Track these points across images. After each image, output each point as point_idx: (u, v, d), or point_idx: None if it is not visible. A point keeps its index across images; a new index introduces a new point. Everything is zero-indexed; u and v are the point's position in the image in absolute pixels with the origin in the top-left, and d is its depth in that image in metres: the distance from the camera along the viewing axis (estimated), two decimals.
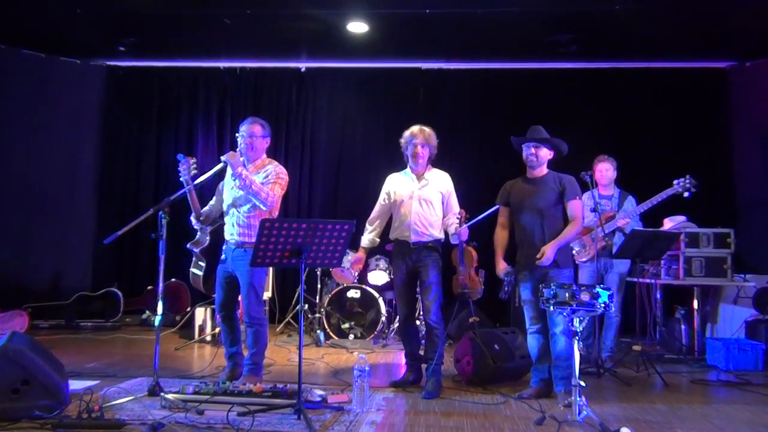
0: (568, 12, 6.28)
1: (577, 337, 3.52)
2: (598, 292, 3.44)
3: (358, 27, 6.81)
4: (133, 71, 8.16)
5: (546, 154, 4.26)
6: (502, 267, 4.34)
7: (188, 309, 7.02)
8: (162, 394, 3.66)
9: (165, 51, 7.85)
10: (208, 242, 4.52)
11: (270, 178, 4.29)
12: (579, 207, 4.18)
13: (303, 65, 8.08)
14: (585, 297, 3.42)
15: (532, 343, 4.25)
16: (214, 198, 4.58)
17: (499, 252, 4.40)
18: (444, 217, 4.49)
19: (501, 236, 4.43)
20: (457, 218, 4.29)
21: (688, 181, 5.28)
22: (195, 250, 4.53)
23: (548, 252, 4.01)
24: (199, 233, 4.54)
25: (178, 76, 8.18)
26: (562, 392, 4.02)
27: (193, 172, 4.19)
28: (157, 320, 3.93)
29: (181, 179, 4.18)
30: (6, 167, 7.44)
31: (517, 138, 4.34)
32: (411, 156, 4.47)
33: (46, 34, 7.20)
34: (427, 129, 4.49)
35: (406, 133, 4.50)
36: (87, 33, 7.21)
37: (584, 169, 4.96)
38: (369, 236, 4.63)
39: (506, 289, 4.06)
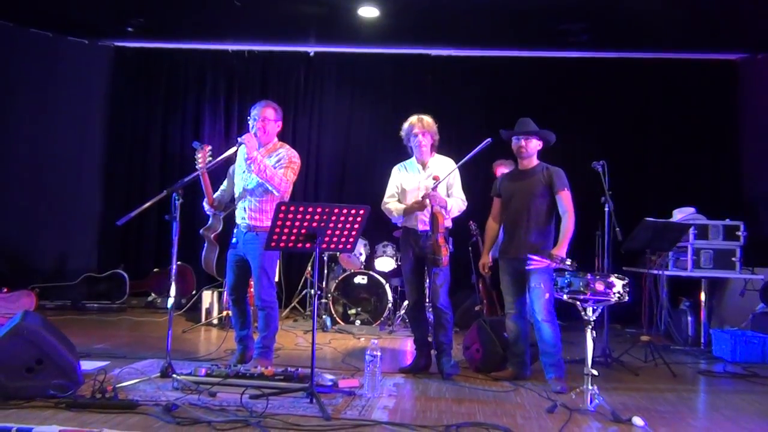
0: (580, 0, 6.23)
1: (590, 326, 3.51)
2: (612, 281, 3.43)
3: (368, 11, 6.77)
4: (141, 52, 8.13)
5: (535, 145, 4.33)
6: (486, 260, 4.53)
7: (194, 292, 7.04)
8: (174, 375, 3.67)
9: (173, 33, 7.82)
10: (221, 228, 4.51)
11: (282, 163, 4.28)
12: (568, 197, 4.23)
13: (312, 49, 8.03)
14: (599, 286, 3.42)
15: (510, 326, 4.36)
16: (225, 182, 4.57)
17: (488, 245, 4.58)
18: None
19: (491, 228, 4.58)
20: (433, 180, 4.25)
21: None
22: (209, 235, 4.51)
23: (559, 252, 4.05)
24: (212, 219, 4.54)
25: (185, 58, 8.13)
26: (553, 379, 4.06)
27: (209, 158, 4.16)
28: (170, 302, 3.93)
29: (197, 167, 4.14)
30: (13, 147, 7.43)
31: (506, 131, 4.38)
32: (414, 147, 4.48)
33: (54, 13, 7.15)
34: (425, 117, 4.46)
35: (405, 125, 4.50)
36: (95, 13, 7.17)
37: (592, 158, 4.97)
38: (397, 203, 4.52)
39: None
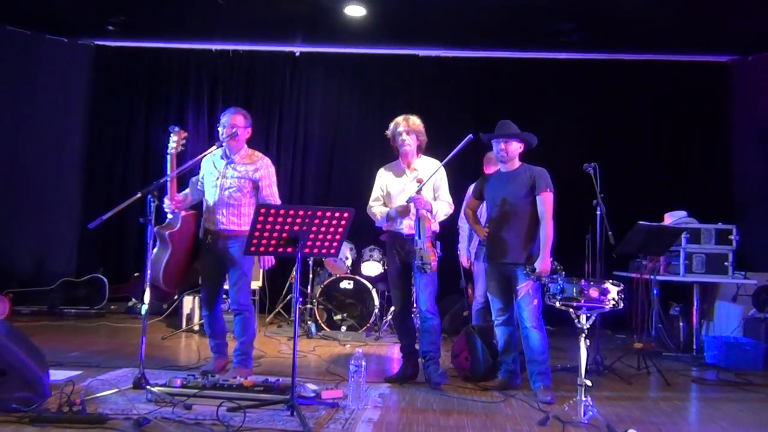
0: (570, 0, 6.12)
1: (583, 335, 3.38)
2: (607, 287, 3.30)
3: (355, 10, 6.63)
4: (122, 51, 7.93)
5: (516, 148, 4.18)
6: (484, 231, 4.33)
7: (175, 297, 6.83)
8: (148, 387, 3.49)
9: (155, 31, 7.63)
10: (178, 226, 4.21)
11: (266, 181, 4.27)
12: (549, 200, 4.07)
13: (297, 49, 7.88)
14: (594, 293, 3.28)
15: (498, 334, 4.24)
16: (188, 191, 4.42)
17: (477, 226, 4.47)
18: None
19: (471, 217, 4.51)
20: (417, 183, 4.08)
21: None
22: (164, 233, 4.18)
23: (542, 266, 3.91)
24: (170, 216, 4.24)
25: (168, 57, 7.95)
26: (541, 388, 3.93)
27: (180, 148, 4.07)
28: (143, 309, 3.74)
29: (168, 151, 4.05)
30: None
31: (486, 134, 4.24)
32: (399, 147, 4.34)
33: (32, 9, 6.94)
34: (412, 117, 4.32)
35: (391, 125, 4.36)
36: (75, 10, 6.99)
37: (584, 160, 4.87)
38: (382, 207, 4.38)
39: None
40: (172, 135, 4.08)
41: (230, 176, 4.22)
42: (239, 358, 4.20)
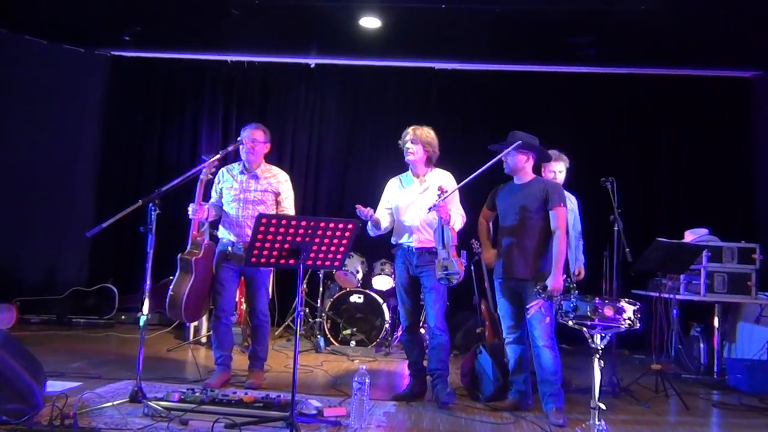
0: (590, 11, 6.01)
1: (597, 355, 3.22)
2: (622, 306, 3.15)
3: (370, 22, 6.57)
4: (138, 62, 7.94)
5: (520, 160, 4.02)
6: (490, 254, 4.22)
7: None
8: (144, 400, 3.39)
9: (171, 42, 7.64)
10: (202, 254, 4.18)
11: (287, 193, 4.47)
12: (563, 214, 3.91)
13: (313, 61, 7.84)
14: (608, 312, 3.13)
15: (509, 353, 4.08)
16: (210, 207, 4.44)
17: (486, 239, 4.34)
18: None
19: (483, 227, 4.35)
20: (438, 193, 3.95)
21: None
22: (191, 259, 4.12)
23: (553, 283, 3.73)
24: (192, 243, 4.19)
25: (184, 68, 7.94)
26: (553, 410, 3.77)
27: (210, 176, 4.20)
28: (142, 320, 3.67)
29: (200, 177, 4.15)
30: (4, 156, 7.19)
31: (494, 145, 4.13)
32: (404, 155, 4.24)
33: (49, 20, 6.98)
34: (422, 128, 4.23)
35: (402, 134, 4.27)
36: (91, 21, 7.01)
37: (601, 175, 4.72)
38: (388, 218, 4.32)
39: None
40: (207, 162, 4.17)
41: (254, 189, 4.34)
42: (261, 363, 4.40)
